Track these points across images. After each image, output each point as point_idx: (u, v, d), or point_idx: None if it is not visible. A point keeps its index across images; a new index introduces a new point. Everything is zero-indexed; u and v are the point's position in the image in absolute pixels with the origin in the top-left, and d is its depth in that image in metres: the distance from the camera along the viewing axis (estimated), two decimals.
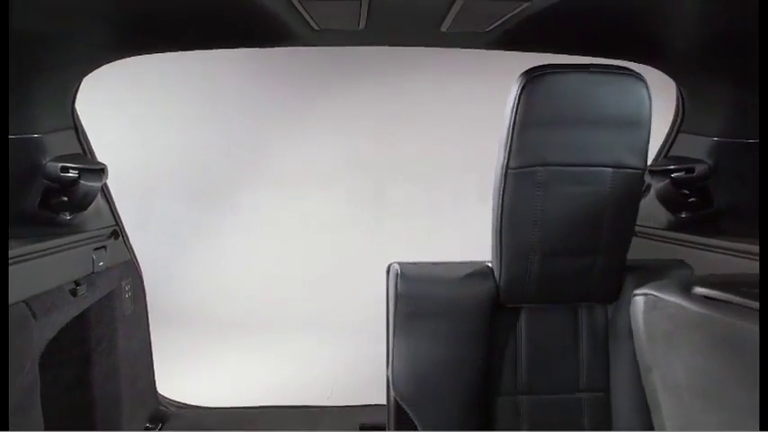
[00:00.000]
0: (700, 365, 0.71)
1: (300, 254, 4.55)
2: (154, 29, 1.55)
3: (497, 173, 1.22)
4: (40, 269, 1.44)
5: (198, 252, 4.60)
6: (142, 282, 2.12)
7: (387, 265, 1.33)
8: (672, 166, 1.65)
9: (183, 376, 2.83)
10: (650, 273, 1.28)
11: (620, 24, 1.48)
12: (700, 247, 1.55)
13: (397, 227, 4.54)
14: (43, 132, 1.55)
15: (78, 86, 1.65)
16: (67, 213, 1.63)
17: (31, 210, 1.54)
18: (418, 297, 1.26)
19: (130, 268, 2.03)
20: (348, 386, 3.02)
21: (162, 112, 4.53)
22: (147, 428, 2.11)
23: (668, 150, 1.80)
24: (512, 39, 1.58)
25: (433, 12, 1.35)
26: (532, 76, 1.16)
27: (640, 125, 1.18)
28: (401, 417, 1.29)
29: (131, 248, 2.05)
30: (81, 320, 1.75)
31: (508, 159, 1.19)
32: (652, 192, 1.78)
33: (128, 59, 1.68)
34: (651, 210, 1.81)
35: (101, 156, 1.83)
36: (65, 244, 1.56)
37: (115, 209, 1.92)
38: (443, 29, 1.47)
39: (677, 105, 1.77)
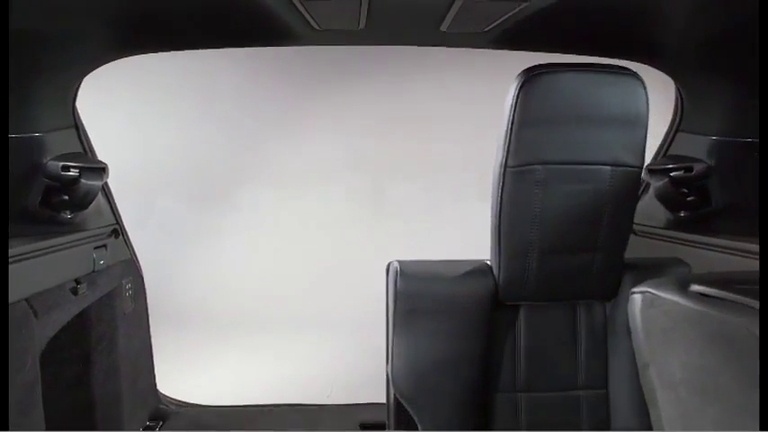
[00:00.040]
0: (696, 361, 0.72)
1: (300, 253, 4.56)
2: (154, 28, 1.55)
3: (496, 171, 1.23)
4: (41, 267, 1.44)
5: (198, 251, 4.60)
6: (142, 280, 2.13)
7: (386, 264, 1.34)
8: (670, 165, 1.66)
9: (183, 375, 2.83)
10: (648, 270, 1.29)
11: (618, 24, 1.48)
12: (698, 245, 1.56)
13: (396, 226, 4.54)
14: (44, 131, 1.55)
15: (79, 85, 1.66)
16: (68, 212, 1.64)
17: (32, 208, 1.55)
18: (418, 295, 1.27)
19: (131, 267, 2.04)
20: (348, 384, 3.02)
21: (161, 111, 4.53)
22: (147, 427, 2.12)
23: (667, 149, 1.81)
24: (511, 38, 1.58)
25: (433, 11, 1.36)
26: (530, 76, 1.16)
27: (638, 124, 1.19)
28: (401, 414, 1.30)
29: (132, 247, 2.05)
30: (81, 319, 1.76)
31: (507, 158, 1.19)
32: (651, 191, 1.79)
33: (127, 59, 1.68)
34: (650, 209, 1.82)
35: (101, 155, 1.83)
36: (66, 242, 1.56)
37: (116, 208, 1.93)
38: (443, 28, 1.48)
39: (676, 104, 1.78)
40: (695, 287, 0.77)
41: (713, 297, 0.74)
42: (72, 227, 1.65)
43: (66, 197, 1.60)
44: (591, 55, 1.66)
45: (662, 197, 1.73)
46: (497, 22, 1.42)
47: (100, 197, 1.80)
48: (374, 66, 4.51)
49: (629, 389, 1.27)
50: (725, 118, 1.61)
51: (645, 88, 1.18)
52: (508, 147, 1.19)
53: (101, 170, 1.67)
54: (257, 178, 4.65)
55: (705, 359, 0.71)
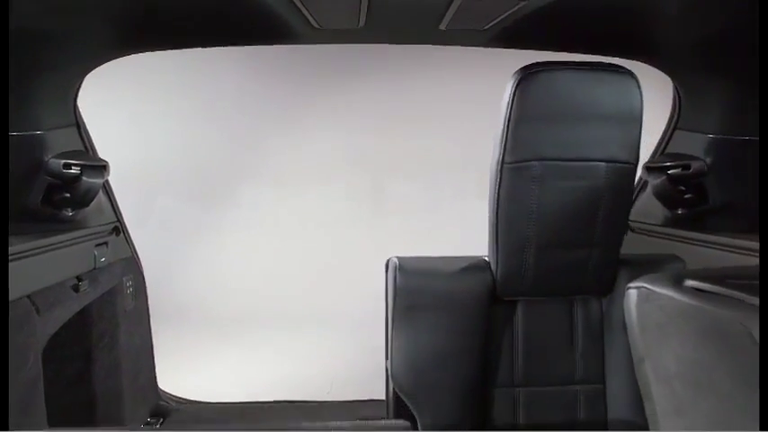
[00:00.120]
0: (690, 355, 0.73)
1: (300, 250, 4.56)
2: (155, 26, 1.56)
3: (493, 168, 1.24)
4: (42, 265, 1.45)
5: (198, 249, 4.61)
6: (143, 278, 2.13)
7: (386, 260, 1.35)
8: (668, 163, 1.67)
9: (183, 372, 2.84)
10: (644, 266, 1.31)
11: (616, 22, 1.49)
12: (695, 242, 1.57)
13: (396, 224, 4.55)
14: (46, 129, 1.56)
15: (80, 84, 1.66)
16: (70, 210, 1.64)
17: (33, 206, 1.56)
18: (417, 290, 1.28)
19: (131, 264, 2.05)
20: (348, 381, 3.03)
21: (162, 110, 4.54)
22: (148, 423, 2.13)
23: (665, 147, 1.82)
24: (510, 36, 1.59)
25: (432, 10, 1.37)
26: (527, 74, 1.18)
27: (632, 121, 1.20)
28: (400, 410, 1.31)
29: (132, 245, 2.06)
30: (83, 316, 1.77)
31: (504, 154, 1.21)
32: (649, 188, 1.80)
33: (128, 57, 1.69)
34: (648, 206, 1.82)
35: (102, 152, 1.84)
36: (67, 240, 1.57)
37: (116, 205, 1.94)
38: (442, 27, 1.49)
39: (674, 103, 1.78)
40: (690, 282, 0.78)
41: (707, 292, 0.75)
42: (73, 224, 1.66)
43: (68, 195, 1.61)
44: (589, 53, 1.66)
45: (660, 195, 1.74)
46: (496, 20, 1.42)
47: (101, 195, 1.80)
48: (373, 64, 4.51)
49: (625, 383, 1.28)
50: (722, 116, 1.62)
51: (639, 86, 1.20)
52: (505, 144, 1.20)
53: (102, 168, 1.68)
54: (257, 176, 4.66)
55: (699, 353, 0.72)
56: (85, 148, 1.75)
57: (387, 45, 1.80)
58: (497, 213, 1.25)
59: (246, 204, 4.65)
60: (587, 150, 1.21)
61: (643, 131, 1.25)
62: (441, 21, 1.44)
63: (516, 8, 1.32)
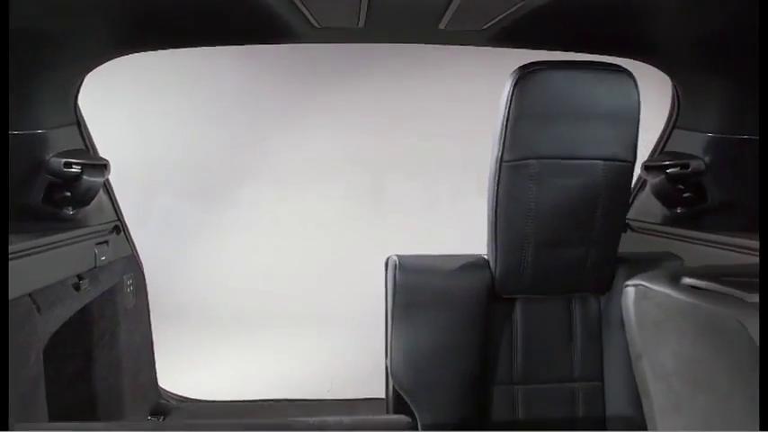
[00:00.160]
0: (687, 352, 0.74)
1: (300, 249, 4.57)
2: (155, 26, 1.56)
3: (492, 166, 1.24)
4: (43, 263, 1.46)
5: (198, 248, 4.61)
6: (144, 276, 2.14)
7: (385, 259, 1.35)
8: (667, 162, 1.67)
9: (183, 370, 2.85)
10: (641, 264, 1.31)
11: (616, 22, 1.50)
12: (694, 241, 1.57)
13: (396, 222, 4.55)
14: (47, 128, 1.56)
15: (81, 83, 1.67)
16: (70, 208, 1.65)
17: (34, 205, 1.56)
18: (416, 288, 1.29)
19: (132, 263, 2.05)
20: (348, 380, 3.04)
21: (162, 109, 4.54)
22: (148, 422, 2.13)
23: (664, 146, 1.82)
24: (509, 36, 1.60)
25: (432, 9, 1.37)
26: (525, 73, 1.19)
27: (629, 119, 1.21)
28: (400, 407, 1.31)
29: (133, 243, 2.06)
30: (84, 314, 1.77)
31: (502, 152, 1.22)
32: (648, 187, 1.81)
33: (128, 57, 1.69)
34: (647, 205, 1.83)
35: (102, 151, 1.85)
36: (68, 239, 1.58)
37: (117, 204, 1.94)
38: (442, 26, 1.49)
39: (672, 102, 1.79)
40: (687, 280, 0.79)
41: (704, 289, 0.76)
42: (74, 223, 1.66)
43: (69, 193, 1.62)
44: (589, 52, 1.67)
45: (658, 193, 1.74)
46: (496, 19, 1.43)
47: (101, 194, 1.81)
48: (374, 63, 4.51)
49: (623, 380, 1.29)
50: (721, 115, 1.63)
51: (636, 85, 1.21)
52: (504, 142, 1.21)
53: (102, 167, 1.68)
54: (257, 175, 4.66)
55: (696, 350, 0.73)
56: (86, 147, 1.75)
57: (386, 44, 1.81)
58: (496, 211, 1.25)
59: (246, 203, 4.65)
60: (585, 149, 1.21)
61: (641, 129, 1.25)
62: (440, 20, 1.44)
63: (515, 8, 1.32)
